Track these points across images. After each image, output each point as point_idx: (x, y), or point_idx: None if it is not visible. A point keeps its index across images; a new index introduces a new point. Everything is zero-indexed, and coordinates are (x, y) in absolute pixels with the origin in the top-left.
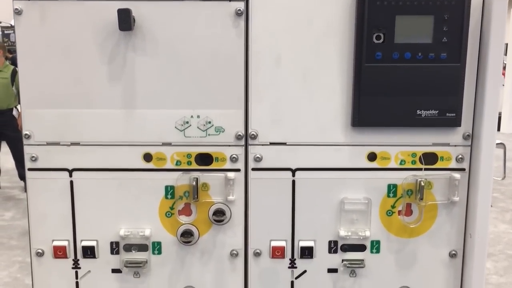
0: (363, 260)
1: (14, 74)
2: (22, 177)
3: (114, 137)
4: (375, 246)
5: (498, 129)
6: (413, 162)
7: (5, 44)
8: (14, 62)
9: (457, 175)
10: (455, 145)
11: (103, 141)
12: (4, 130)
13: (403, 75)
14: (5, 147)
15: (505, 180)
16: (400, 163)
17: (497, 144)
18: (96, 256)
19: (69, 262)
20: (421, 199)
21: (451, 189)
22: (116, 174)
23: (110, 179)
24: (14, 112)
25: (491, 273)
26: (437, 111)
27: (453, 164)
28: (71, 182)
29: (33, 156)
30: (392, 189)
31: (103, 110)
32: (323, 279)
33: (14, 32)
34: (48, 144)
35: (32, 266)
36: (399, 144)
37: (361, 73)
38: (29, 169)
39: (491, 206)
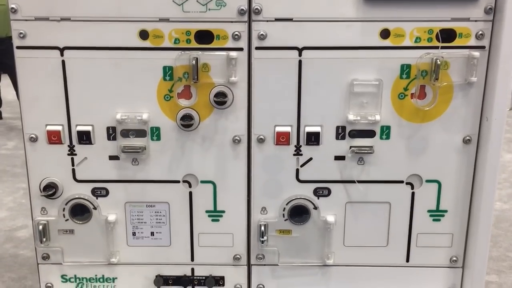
0: (372, 146)
1: None
2: None
3: (107, 11)
4: (385, 131)
5: None
6: (429, 40)
7: None
8: None
9: (476, 53)
10: (476, 20)
11: (96, 16)
12: (3, 59)
13: None
14: (5, 79)
15: (511, 112)
16: (415, 41)
17: None
18: (92, 142)
19: (64, 148)
20: (436, 79)
21: (469, 68)
22: (110, 53)
23: (104, 58)
24: None
25: (495, 200)
26: None
27: (472, 41)
28: (63, 62)
29: (21, 33)
30: (405, 70)
31: None
32: (330, 166)
33: None
34: (37, 19)
35: (26, 152)
36: (415, 20)
37: None
38: (18, 47)
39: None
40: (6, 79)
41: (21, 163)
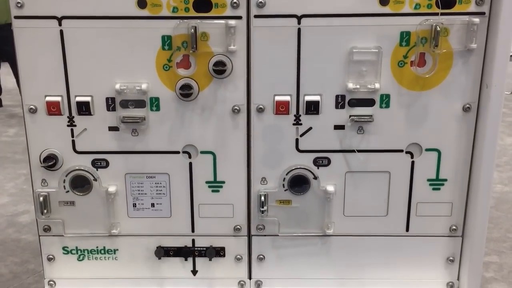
0: (371, 115)
1: None
2: None
3: None
4: (385, 100)
5: None
6: (429, 6)
7: None
8: None
9: (476, 19)
10: None
11: None
12: (3, 46)
13: None
14: (5, 67)
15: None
16: (415, 7)
17: None
18: (92, 113)
19: (64, 119)
20: (436, 46)
21: (469, 35)
22: (108, 23)
23: (102, 28)
24: None
25: (496, 182)
26: None
27: (472, 7)
28: (61, 32)
29: (18, 2)
30: (405, 37)
31: None
32: (329, 136)
33: None
34: None
35: (25, 124)
36: None
37: None
38: (15, 17)
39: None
40: (5, 67)
41: (22, 150)
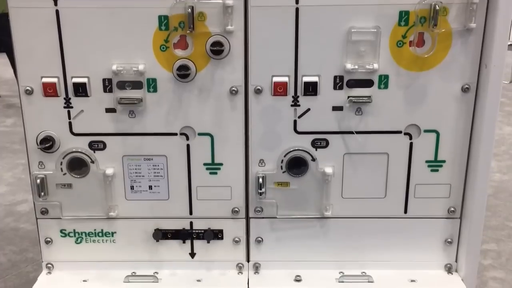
0: (370, 96)
1: None
2: None
3: None
4: (383, 81)
5: None
6: None
7: None
8: None
9: None
10: None
11: None
12: (1, 36)
13: None
14: (3, 58)
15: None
16: None
17: None
18: (89, 94)
19: (61, 100)
20: (435, 25)
21: (468, 14)
22: (105, 2)
23: (98, 7)
24: None
25: (494, 171)
26: None
27: None
28: (57, 12)
29: None
30: (404, 17)
31: None
32: (328, 117)
33: None
34: None
35: (21, 105)
36: None
37: None
38: None
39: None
40: (2, 57)
41: (20, 140)
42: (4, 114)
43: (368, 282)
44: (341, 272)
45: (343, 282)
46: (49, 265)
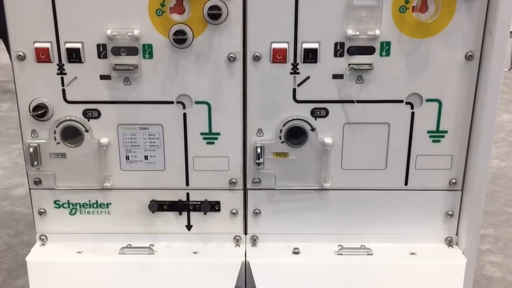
0: (371, 63)
1: None
2: None
3: None
4: (385, 48)
5: None
6: None
7: None
8: None
9: None
10: None
11: None
12: None
13: None
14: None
15: (510, 73)
16: None
17: None
18: (82, 61)
19: (54, 66)
20: None
21: None
22: None
23: None
24: None
25: (493, 157)
26: None
27: None
28: None
29: None
30: None
31: None
32: (328, 85)
33: None
34: None
35: (13, 71)
36: None
37: None
38: None
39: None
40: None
41: (16, 125)
42: (0, 99)
43: (368, 255)
44: (340, 245)
45: (341, 255)
46: (42, 237)
